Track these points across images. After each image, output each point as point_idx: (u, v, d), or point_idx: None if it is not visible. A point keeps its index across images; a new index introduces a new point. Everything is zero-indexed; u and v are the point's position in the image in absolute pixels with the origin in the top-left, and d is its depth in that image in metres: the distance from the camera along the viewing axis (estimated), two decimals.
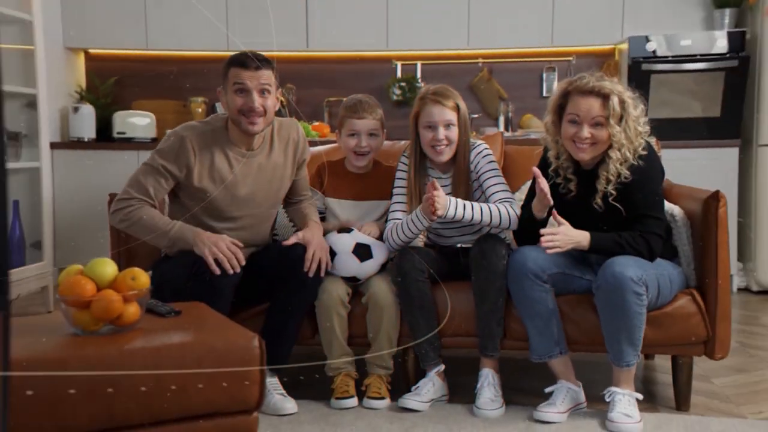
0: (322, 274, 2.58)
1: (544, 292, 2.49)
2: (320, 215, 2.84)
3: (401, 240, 2.65)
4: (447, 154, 2.67)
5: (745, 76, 4.41)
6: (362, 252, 2.65)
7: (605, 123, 2.39)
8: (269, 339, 2.43)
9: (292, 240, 2.61)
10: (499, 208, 2.58)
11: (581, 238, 2.40)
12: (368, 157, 2.85)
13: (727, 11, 4.58)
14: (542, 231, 2.36)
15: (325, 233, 2.71)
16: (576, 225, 2.42)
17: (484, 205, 2.58)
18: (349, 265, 2.64)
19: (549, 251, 2.36)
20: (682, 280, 2.56)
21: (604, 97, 2.40)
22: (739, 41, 4.42)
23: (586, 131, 2.41)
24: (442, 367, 2.65)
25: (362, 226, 2.73)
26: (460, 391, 2.69)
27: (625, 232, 2.43)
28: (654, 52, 4.47)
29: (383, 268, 2.71)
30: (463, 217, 2.55)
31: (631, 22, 4.71)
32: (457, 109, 2.65)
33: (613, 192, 2.44)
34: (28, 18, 4.23)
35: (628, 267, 2.34)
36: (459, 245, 2.76)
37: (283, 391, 2.58)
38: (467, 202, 2.57)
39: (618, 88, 2.42)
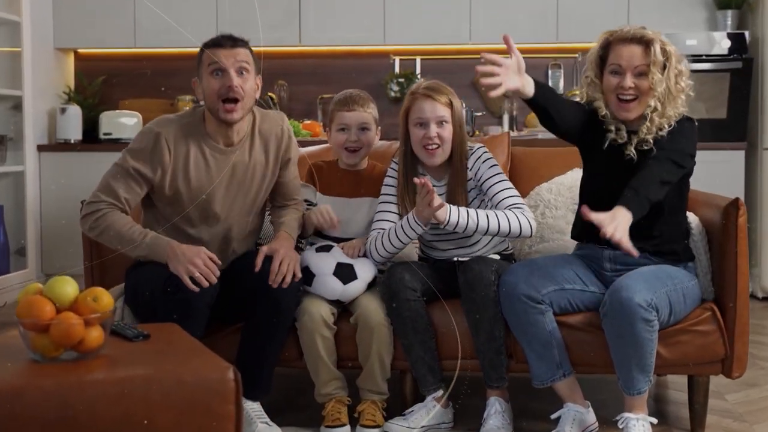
0: (287, 282, 2.32)
1: (540, 314, 2.31)
2: (311, 205, 2.61)
3: (387, 251, 2.43)
4: (440, 157, 2.45)
5: (749, 78, 4.36)
6: (345, 273, 2.40)
7: (648, 72, 2.26)
8: (247, 362, 2.31)
9: (259, 258, 2.36)
10: (508, 216, 2.33)
11: (625, 218, 2.09)
12: (360, 154, 2.62)
13: (729, 12, 4.54)
14: (601, 223, 2.04)
15: (304, 233, 2.51)
16: (607, 176, 2.30)
17: (491, 212, 2.34)
18: (332, 288, 2.40)
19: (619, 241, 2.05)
20: (697, 294, 2.39)
21: (647, 45, 2.28)
22: (741, 43, 4.37)
23: (629, 80, 2.28)
24: (441, 392, 2.44)
25: (344, 246, 2.49)
26: (469, 414, 2.49)
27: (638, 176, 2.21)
28: None
29: (372, 284, 2.49)
30: (467, 225, 2.30)
31: (636, 19, 4.55)
32: (451, 105, 2.44)
33: (650, 140, 2.28)
34: (17, 19, 4.13)
35: (636, 291, 2.17)
36: (456, 259, 2.52)
37: (267, 419, 2.38)
38: (471, 209, 2.34)
39: (662, 37, 2.30)
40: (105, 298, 1.75)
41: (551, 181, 2.81)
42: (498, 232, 2.33)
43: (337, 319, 2.45)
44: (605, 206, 2.11)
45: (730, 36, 4.39)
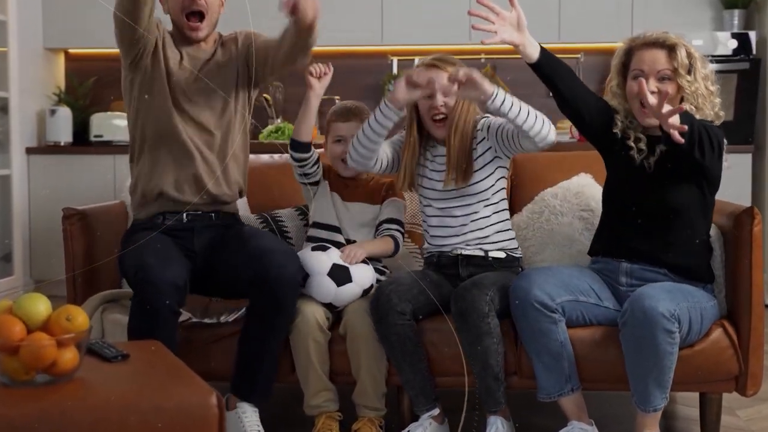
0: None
1: (553, 324, 2.21)
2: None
3: (361, 143, 2.34)
4: (448, 128, 2.40)
5: (756, 79, 4.28)
6: (340, 275, 2.33)
7: (673, 77, 2.21)
8: (245, 360, 2.26)
9: None
10: (538, 114, 2.25)
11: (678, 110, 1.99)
12: None
13: (736, 12, 4.46)
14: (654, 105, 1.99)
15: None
16: (630, 185, 2.25)
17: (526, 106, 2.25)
18: (325, 289, 2.32)
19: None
20: (715, 315, 2.29)
21: (670, 49, 2.22)
22: (748, 43, 4.30)
23: (652, 85, 2.20)
24: (437, 411, 2.34)
25: (343, 249, 2.40)
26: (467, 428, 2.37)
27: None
28: None
29: (367, 293, 2.39)
30: (511, 105, 2.19)
31: (639, 19, 4.56)
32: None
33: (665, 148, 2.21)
34: (3, 18, 4.03)
35: (660, 300, 2.07)
36: (460, 253, 2.42)
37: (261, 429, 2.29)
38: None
39: (685, 40, 2.25)
40: (80, 317, 1.64)
41: (556, 186, 2.71)
42: (533, 124, 2.23)
43: (331, 327, 2.37)
44: (629, 216, 2.10)
45: (736, 36, 4.32)
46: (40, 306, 1.63)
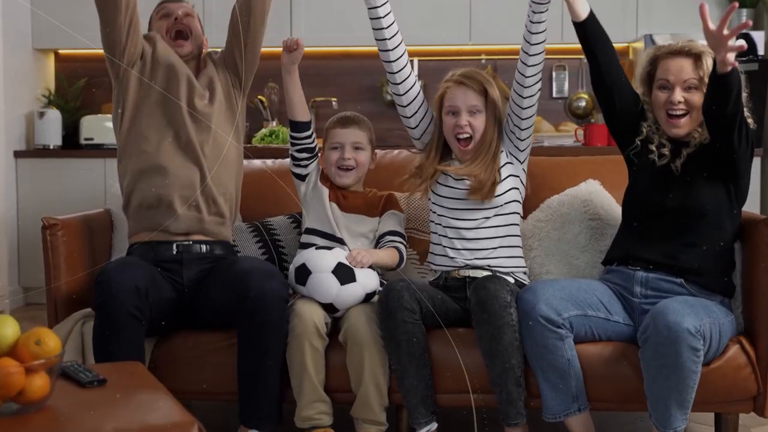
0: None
1: (559, 340, 2.10)
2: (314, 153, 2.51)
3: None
4: (471, 151, 2.35)
5: (764, 80, 4.19)
6: (344, 273, 2.24)
7: (699, 86, 2.18)
8: (245, 386, 2.18)
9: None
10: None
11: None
12: (353, 175, 2.47)
13: (744, 11, 4.39)
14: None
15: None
16: (649, 186, 2.23)
17: None
18: (327, 287, 2.22)
19: None
20: (732, 332, 2.19)
21: (696, 57, 2.20)
22: (756, 43, 4.21)
23: (678, 95, 2.19)
24: (435, 426, 2.23)
25: (351, 251, 2.31)
26: None
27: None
28: None
29: (370, 299, 2.29)
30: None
31: (645, 19, 4.51)
32: (486, 94, 2.35)
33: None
34: None
35: (685, 315, 1.98)
36: (468, 276, 2.32)
37: None
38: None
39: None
40: (50, 341, 1.52)
41: (563, 194, 2.59)
42: (541, 38, 2.38)
43: (330, 335, 2.26)
44: (651, 219, 2.10)
45: (744, 36, 4.18)
46: (7, 329, 1.52)
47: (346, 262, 2.26)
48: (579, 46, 4.89)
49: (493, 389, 2.15)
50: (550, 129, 4.43)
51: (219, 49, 2.56)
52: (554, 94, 4.76)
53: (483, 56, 4.75)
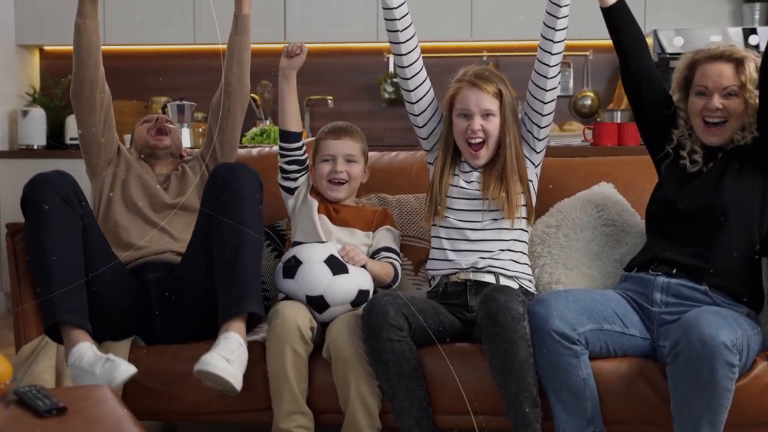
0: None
1: (574, 357, 1.95)
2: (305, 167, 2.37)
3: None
4: (483, 157, 2.26)
5: None
6: (336, 264, 2.15)
7: (740, 92, 2.11)
8: (224, 276, 2.08)
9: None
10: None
11: None
12: (346, 189, 2.34)
13: (758, 6, 4.38)
14: None
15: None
16: (678, 188, 2.16)
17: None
18: (318, 277, 2.12)
19: None
20: (759, 345, 2.04)
21: (738, 63, 2.12)
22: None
23: (716, 101, 2.12)
24: None
25: (344, 247, 2.21)
26: None
27: None
28: (682, 47, 4.24)
29: (360, 301, 2.15)
30: None
31: (653, 15, 4.49)
32: (500, 96, 2.24)
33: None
34: None
35: (720, 328, 1.85)
36: (468, 279, 2.19)
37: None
38: None
39: (754, 54, 2.15)
40: (1, 367, 1.34)
41: (574, 197, 2.45)
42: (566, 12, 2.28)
43: (313, 346, 2.11)
44: (679, 220, 2.07)
45: (758, 31, 4.20)
46: None
47: (339, 257, 2.16)
48: (584, 42, 4.81)
49: (507, 412, 1.99)
50: (554, 128, 4.31)
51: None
52: (558, 92, 4.65)
53: (485, 53, 4.75)
